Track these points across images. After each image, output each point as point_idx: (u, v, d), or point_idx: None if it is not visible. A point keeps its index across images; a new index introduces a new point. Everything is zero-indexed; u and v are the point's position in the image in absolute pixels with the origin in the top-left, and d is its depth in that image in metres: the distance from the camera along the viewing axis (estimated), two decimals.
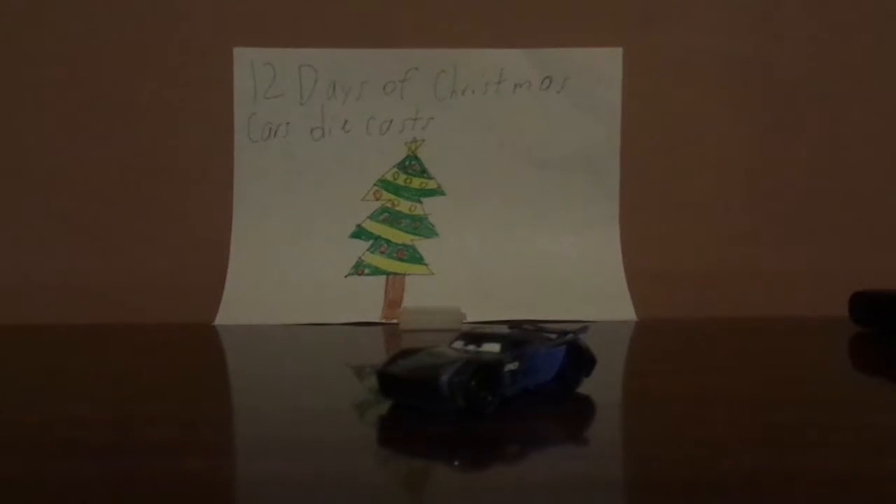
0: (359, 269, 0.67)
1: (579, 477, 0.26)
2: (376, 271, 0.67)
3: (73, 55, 0.67)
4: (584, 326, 0.37)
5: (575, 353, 0.36)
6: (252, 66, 0.68)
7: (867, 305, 0.57)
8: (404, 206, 0.68)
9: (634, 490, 0.25)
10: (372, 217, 0.68)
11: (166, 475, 0.26)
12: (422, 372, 0.32)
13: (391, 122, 0.69)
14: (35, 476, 0.26)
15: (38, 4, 0.67)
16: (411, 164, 0.69)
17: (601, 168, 0.68)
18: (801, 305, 0.65)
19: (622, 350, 0.53)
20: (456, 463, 0.27)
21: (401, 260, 0.67)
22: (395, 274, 0.67)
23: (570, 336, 0.36)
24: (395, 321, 0.62)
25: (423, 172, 0.69)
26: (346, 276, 0.66)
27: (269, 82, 0.68)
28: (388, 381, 0.33)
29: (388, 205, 0.68)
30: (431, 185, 0.69)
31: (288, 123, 0.68)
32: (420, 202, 0.69)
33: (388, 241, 0.68)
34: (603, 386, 0.37)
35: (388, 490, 0.25)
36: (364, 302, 0.64)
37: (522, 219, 0.68)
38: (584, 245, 0.67)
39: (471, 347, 0.34)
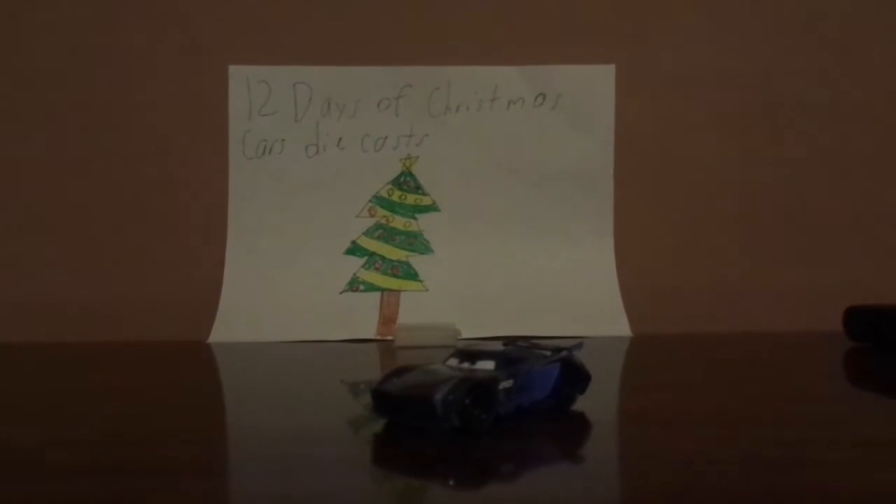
0: (353, 285, 0.67)
1: (574, 496, 0.26)
2: (371, 288, 0.67)
3: (69, 74, 0.67)
4: (579, 343, 0.37)
5: (569, 370, 0.36)
6: (247, 84, 0.68)
7: (861, 320, 0.57)
8: (399, 222, 0.68)
9: None
10: (367, 233, 0.68)
11: (163, 496, 0.26)
12: (416, 390, 0.32)
13: (385, 138, 0.69)
14: (30, 499, 0.26)
15: (34, 21, 0.67)
16: (406, 181, 0.69)
17: (595, 184, 0.68)
18: (795, 321, 0.65)
19: (617, 366, 0.53)
20: (451, 482, 0.27)
21: (395, 276, 0.67)
22: (390, 290, 0.66)
23: (564, 353, 0.36)
24: (389, 338, 0.62)
25: (417, 189, 0.69)
26: (340, 293, 0.66)
27: (263, 100, 0.68)
28: (383, 399, 0.33)
29: (383, 221, 0.68)
30: (426, 201, 0.69)
31: (283, 140, 0.68)
32: (415, 218, 0.69)
33: (382, 258, 0.68)
34: (598, 403, 0.37)
35: None
36: (359, 319, 0.64)
37: (517, 235, 0.68)
38: (578, 261, 0.67)
39: (465, 365, 0.34)
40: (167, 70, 0.68)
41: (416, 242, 0.68)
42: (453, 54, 0.69)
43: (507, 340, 0.38)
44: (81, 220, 0.68)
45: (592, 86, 0.68)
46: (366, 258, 0.68)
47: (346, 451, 0.31)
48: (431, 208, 0.69)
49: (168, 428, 0.35)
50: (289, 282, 0.66)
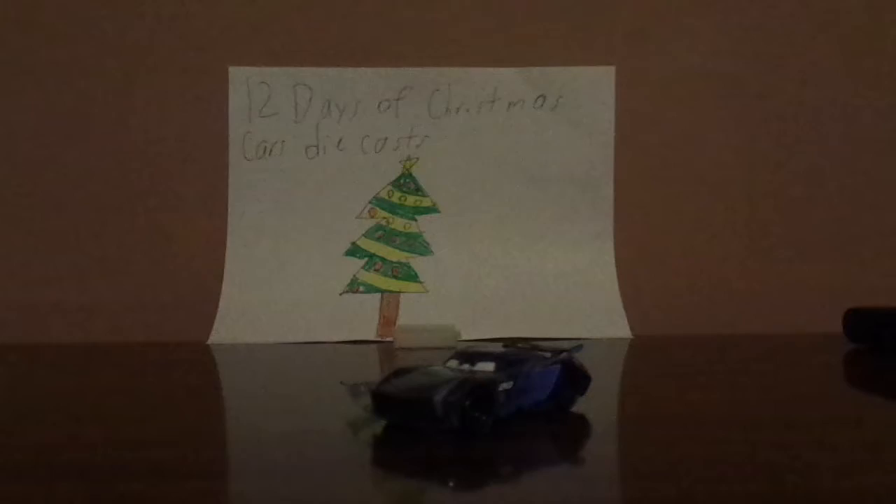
0: (353, 286, 0.67)
1: (574, 498, 0.26)
2: (371, 289, 0.67)
3: (69, 75, 0.68)
4: (579, 344, 0.37)
5: (569, 372, 0.36)
6: (247, 85, 0.68)
7: (861, 322, 0.57)
8: (399, 223, 0.69)
9: None
10: (367, 235, 0.68)
11: (163, 497, 0.26)
12: (416, 392, 0.32)
13: (386, 140, 0.69)
14: (30, 499, 0.26)
15: (33, 22, 0.67)
16: (406, 182, 0.69)
17: (595, 185, 0.69)
18: (796, 322, 0.65)
19: (617, 368, 0.53)
20: (451, 484, 0.27)
21: (395, 277, 0.67)
22: (390, 292, 0.67)
23: (564, 354, 0.36)
24: (389, 339, 0.62)
25: (417, 190, 0.69)
26: (340, 294, 0.66)
27: (263, 101, 0.68)
28: (383, 401, 0.33)
29: (383, 223, 0.68)
30: (426, 202, 0.69)
31: (283, 142, 0.68)
32: (415, 220, 0.69)
33: (382, 259, 0.68)
34: (598, 405, 0.37)
35: None
36: (359, 320, 0.64)
37: (517, 236, 0.68)
38: (578, 262, 0.67)
39: (465, 366, 0.34)
40: (167, 70, 0.68)
41: (416, 244, 0.68)
42: (453, 56, 0.69)
43: (507, 342, 0.38)
44: (81, 220, 0.68)
45: (593, 87, 0.68)
46: (366, 259, 0.68)
47: (346, 453, 0.31)
48: (431, 210, 0.69)
49: (168, 429, 0.35)
50: (289, 283, 0.66)
